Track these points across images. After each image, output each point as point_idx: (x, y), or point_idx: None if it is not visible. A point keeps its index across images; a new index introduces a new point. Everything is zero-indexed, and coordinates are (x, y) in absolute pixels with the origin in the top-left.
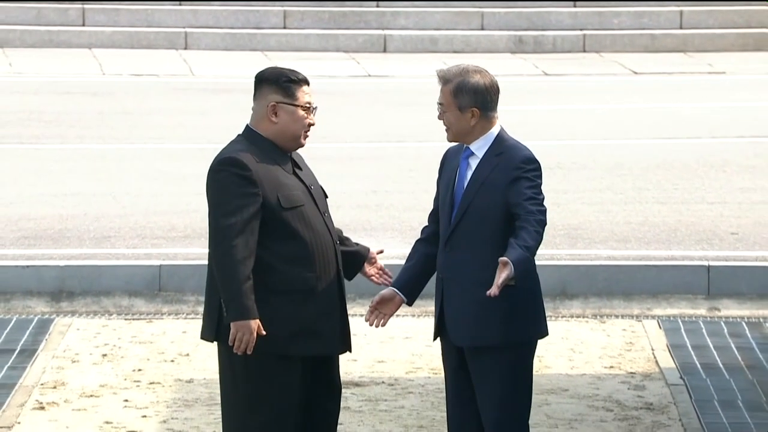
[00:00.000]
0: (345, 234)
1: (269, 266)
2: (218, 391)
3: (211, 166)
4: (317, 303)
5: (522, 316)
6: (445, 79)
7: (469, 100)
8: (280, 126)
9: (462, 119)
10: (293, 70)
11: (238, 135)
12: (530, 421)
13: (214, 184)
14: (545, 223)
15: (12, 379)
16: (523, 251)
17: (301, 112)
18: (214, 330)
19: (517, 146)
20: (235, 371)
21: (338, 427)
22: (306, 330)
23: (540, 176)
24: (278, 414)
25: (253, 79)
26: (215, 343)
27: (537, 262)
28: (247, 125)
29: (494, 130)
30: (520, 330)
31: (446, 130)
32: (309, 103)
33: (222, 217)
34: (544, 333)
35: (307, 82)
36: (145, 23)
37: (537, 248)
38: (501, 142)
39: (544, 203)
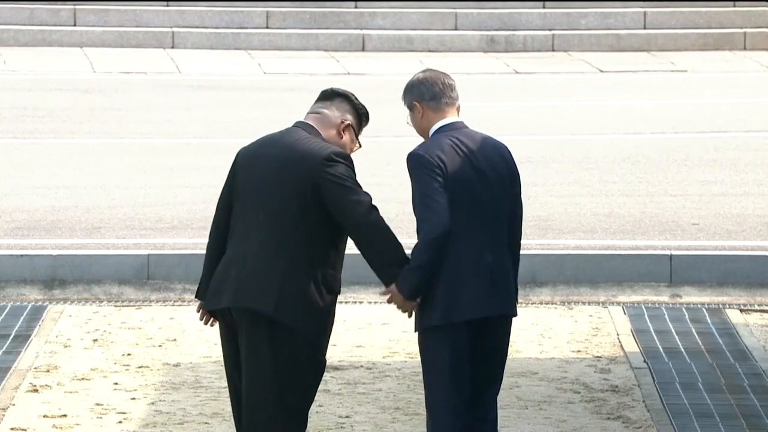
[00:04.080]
0: None
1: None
2: (203, 374)
3: (323, 157)
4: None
5: (424, 304)
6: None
7: (409, 97)
8: (342, 143)
9: (414, 117)
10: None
11: (306, 132)
12: (501, 403)
13: (339, 170)
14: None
15: (7, 363)
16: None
17: (356, 141)
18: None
19: (426, 143)
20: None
21: (318, 408)
22: (331, 325)
23: (421, 174)
24: (306, 395)
25: (334, 89)
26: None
27: None
28: (308, 123)
29: (440, 123)
30: (416, 316)
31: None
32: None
33: (361, 195)
34: (429, 322)
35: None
36: (134, 23)
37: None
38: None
39: (429, 203)
